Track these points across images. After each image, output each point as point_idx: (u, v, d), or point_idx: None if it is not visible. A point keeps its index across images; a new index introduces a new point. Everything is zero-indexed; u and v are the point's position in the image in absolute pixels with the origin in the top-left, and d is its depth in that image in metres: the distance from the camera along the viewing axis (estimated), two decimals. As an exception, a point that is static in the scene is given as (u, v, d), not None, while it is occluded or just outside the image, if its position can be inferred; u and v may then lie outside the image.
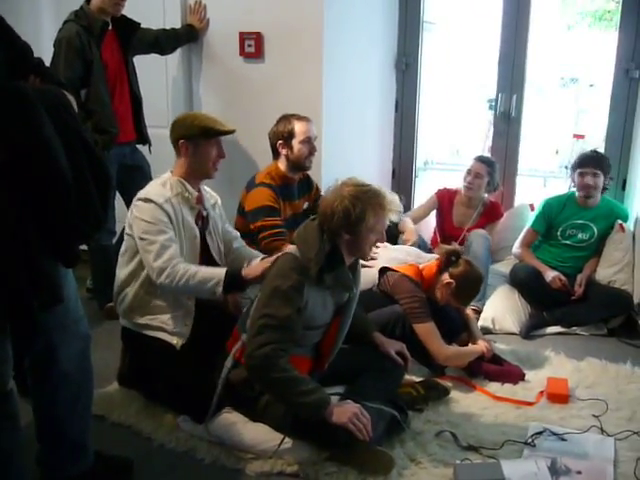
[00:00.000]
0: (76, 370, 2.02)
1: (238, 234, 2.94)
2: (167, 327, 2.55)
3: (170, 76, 4.04)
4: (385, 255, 3.32)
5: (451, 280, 2.87)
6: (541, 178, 7.67)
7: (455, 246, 3.00)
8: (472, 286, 2.94)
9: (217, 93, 4.00)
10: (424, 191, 4.83)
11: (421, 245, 3.80)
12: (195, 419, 2.44)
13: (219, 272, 2.47)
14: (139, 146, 3.66)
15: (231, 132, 2.64)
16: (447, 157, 8.46)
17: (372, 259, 3.22)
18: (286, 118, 3.28)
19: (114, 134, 3.34)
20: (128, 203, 3.40)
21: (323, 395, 2.16)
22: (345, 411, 2.14)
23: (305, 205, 3.46)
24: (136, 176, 3.56)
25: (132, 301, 2.58)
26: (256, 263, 2.55)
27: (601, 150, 4.01)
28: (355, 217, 2.20)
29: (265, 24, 3.74)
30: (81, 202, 1.70)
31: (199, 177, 2.67)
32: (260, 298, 2.27)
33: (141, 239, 2.46)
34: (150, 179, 3.61)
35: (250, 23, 3.76)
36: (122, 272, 2.60)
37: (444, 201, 4.19)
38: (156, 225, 2.45)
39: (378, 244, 3.38)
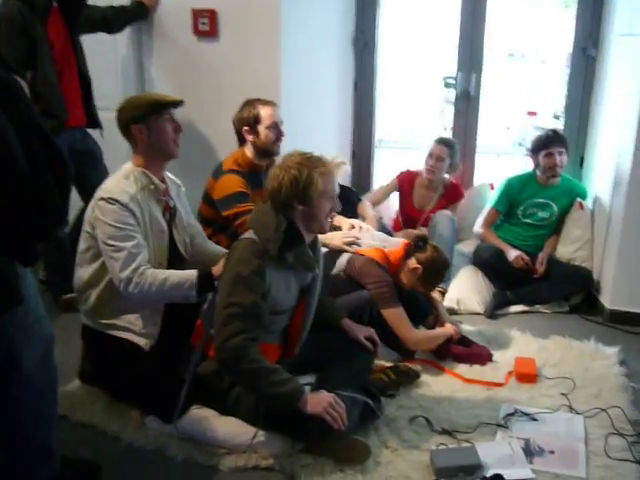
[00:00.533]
0: (40, 372, 1.91)
1: (201, 229, 2.84)
2: (135, 327, 2.44)
3: (120, 56, 3.88)
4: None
5: (418, 265, 2.86)
6: (494, 155, 7.71)
7: (422, 231, 2.97)
8: (438, 272, 2.93)
9: (170, 73, 3.86)
10: (380, 170, 4.81)
11: (382, 229, 3.76)
12: (163, 419, 2.35)
13: (190, 275, 2.37)
14: (90, 130, 3.50)
15: (180, 102, 2.50)
16: (402, 135, 8.45)
17: (355, 244, 3.12)
18: (250, 103, 3.15)
19: (63, 118, 3.18)
20: (81, 190, 3.27)
21: (297, 385, 2.12)
22: (320, 401, 2.11)
23: None
24: (88, 162, 3.41)
25: (96, 302, 2.44)
26: (222, 261, 2.47)
27: (554, 127, 4.04)
28: (303, 183, 2.17)
29: (220, 0, 3.60)
30: (39, 197, 1.58)
31: (162, 160, 2.51)
32: (222, 287, 2.20)
33: (106, 244, 2.31)
34: (103, 165, 3.50)
35: (203, -1, 3.62)
36: (84, 272, 2.45)
37: (405, 184, 4.15)
38: (122, 230, 2.30)
39: (357, 225, 3.30)
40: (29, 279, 1.83)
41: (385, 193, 4.23)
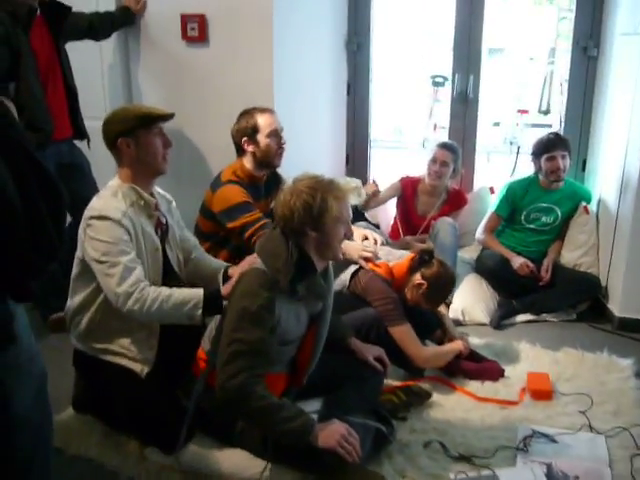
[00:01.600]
0: (33, 412, 1.76)
1: (197, 241, 2.70)
2: (129, 353, 2.30)
3: (106, 63, 3.73)
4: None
5: (423, 281, 2.74)
6: (484, 154, 7.62)
7: (429, 245, 2.84)
8: (444, 288, 2.80)
9: (158, 81, 3.73)
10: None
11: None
12: (164, 450, 2.21)
13: (196, 293, 2.22)
14: (76, 142, 3.36)
15: (171, 116, 2.37)
16: (387, 134, 8.36)
17: (369, 259, 2.86)
18: (247, 113, 3.01)
19: (49, 131, 3.03)
20: (69, 205, 3.11)
21: (307, 419, 1.99)
22: (332, 433, 1.98)
23: (273, 204, 3.21)
24: (76, 176, 3.27)
25: (88, 325, 2.31)
26: (233, 279, 2.33)
27: (555, 131, 3.96)
28: (317, 208, 2.03)
29: (209, 5, 3.48)
30: (32, 231, 1.45)
31: (150, 176, 2.38)
32: (228, 321, 2.05)
33: (99, 262, 2.16)
34: (91, 177, 3.36)
35: (193, 4, 3.49)
36: (76, 298, 2.32)
37: (408, 189, 4.01)
38: (117, 245, 2.16)
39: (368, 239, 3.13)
40: (20, 314, 1.69)
41: (386, 196, 4.04)
